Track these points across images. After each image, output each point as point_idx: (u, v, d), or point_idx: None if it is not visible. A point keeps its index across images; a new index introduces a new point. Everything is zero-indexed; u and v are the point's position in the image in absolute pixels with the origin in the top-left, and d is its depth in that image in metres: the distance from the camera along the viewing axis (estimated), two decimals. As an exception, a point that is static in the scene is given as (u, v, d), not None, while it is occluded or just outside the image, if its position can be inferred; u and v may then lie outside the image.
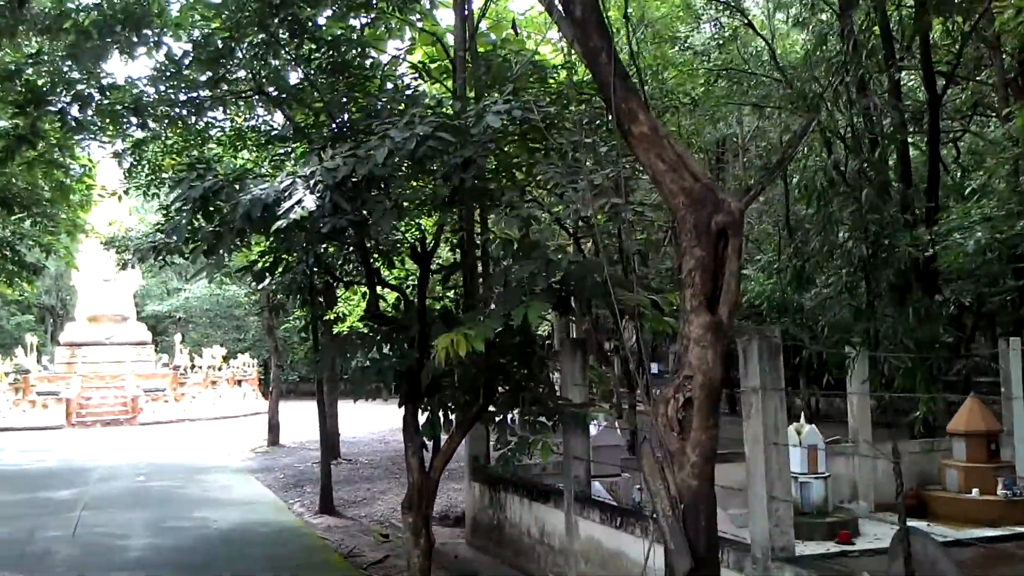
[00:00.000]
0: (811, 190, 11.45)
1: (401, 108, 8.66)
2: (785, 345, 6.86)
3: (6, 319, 49.50)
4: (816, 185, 11.30)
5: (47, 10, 10.90)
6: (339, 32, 11.12)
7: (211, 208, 7.89)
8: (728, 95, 20.61)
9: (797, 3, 19.39)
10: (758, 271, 17.49)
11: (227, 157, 14.53)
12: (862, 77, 12.28)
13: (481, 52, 12.76)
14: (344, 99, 10.31)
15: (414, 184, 8.81)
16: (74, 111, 11.16)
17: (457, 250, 12.62)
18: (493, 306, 8.03)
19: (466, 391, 8.60)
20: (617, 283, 7.93)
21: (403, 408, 8.81)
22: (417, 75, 12.16)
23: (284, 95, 11.28)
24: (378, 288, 9.59)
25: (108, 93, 11.25)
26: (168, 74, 10.82)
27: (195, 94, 11.27)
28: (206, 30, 10.58)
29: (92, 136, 13.16)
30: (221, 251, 8.08)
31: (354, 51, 10.59)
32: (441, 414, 8.69)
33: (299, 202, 6.82)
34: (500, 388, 8.65)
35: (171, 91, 11.12)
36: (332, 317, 12.24)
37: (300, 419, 27.24)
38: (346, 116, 9.93)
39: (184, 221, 7.81)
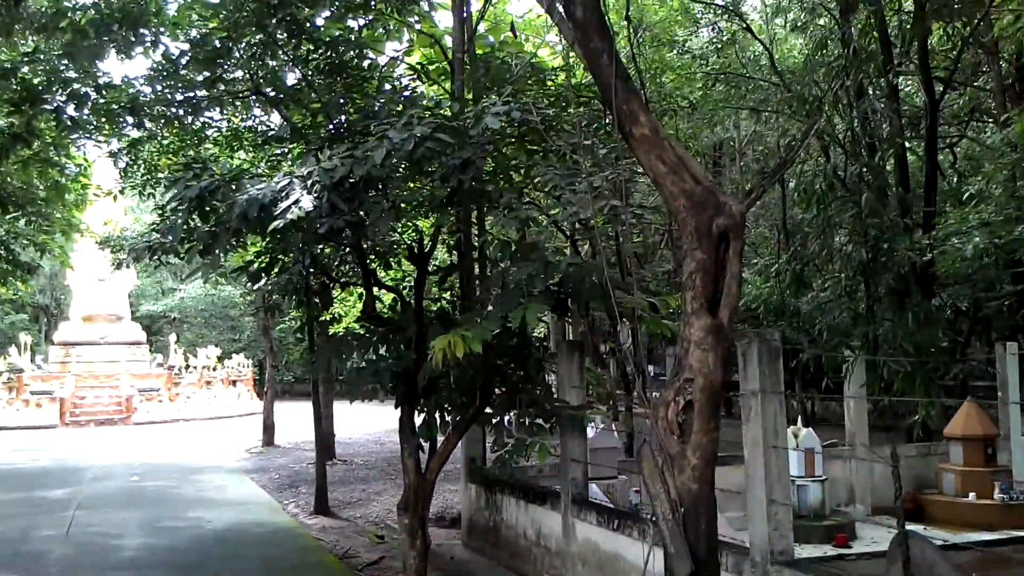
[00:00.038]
0: (810, 194, 11.44)
1: (399, 109, 8.63)
2: (783, 349, 6.84)
3: (0, 318, 49.35)
4: (816, 189, 11.28)
5: (43, 9, 10.85)
6: (337, 33, 11.09)
7: (207, 208, 7.85)
8: (726, 99, 20.62)
9: (796, 8, 19.43)
10: (755, 274, 17.50)
11: (223, 157, 14.48)
12: (860, 82, 12.30)
13: (479, 54, 12.75)
14: (342, 100, 10.27)
15: (412, 185, 8.78)
16: (70, 110, 11.11)
17: (454, 252, 12.61)
18: (490, 308, 8.01)
19: (463, 393, 8.57)
20: (616, 285, 7.91)
21: (399, 409, 8.78)
22: (415, 76, 12.13)
23: (281, 95, 11.24)
24: (375, 289, 9.56)
25: (104, 92, 11.21)
26: (165, 74, 10.77)
27: (192, 94, 11.23)
28: (203, 30, 10.53)
29: (88, 135, 13.11)
30: (217, 251, 8.04)
31: (352, 52, 10.56)
32: (437, 415, 8.66)
33: (296, 202, 6.79)
34: (497, 390, 8.63)
35: (168, 91, 11.07)
36: (328, 318, 12.21)
37: (295, 420, 27.18)
38: (343, 117, 9.90)
39: (180, 221, 7.78)
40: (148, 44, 11.21)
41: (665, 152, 5.07)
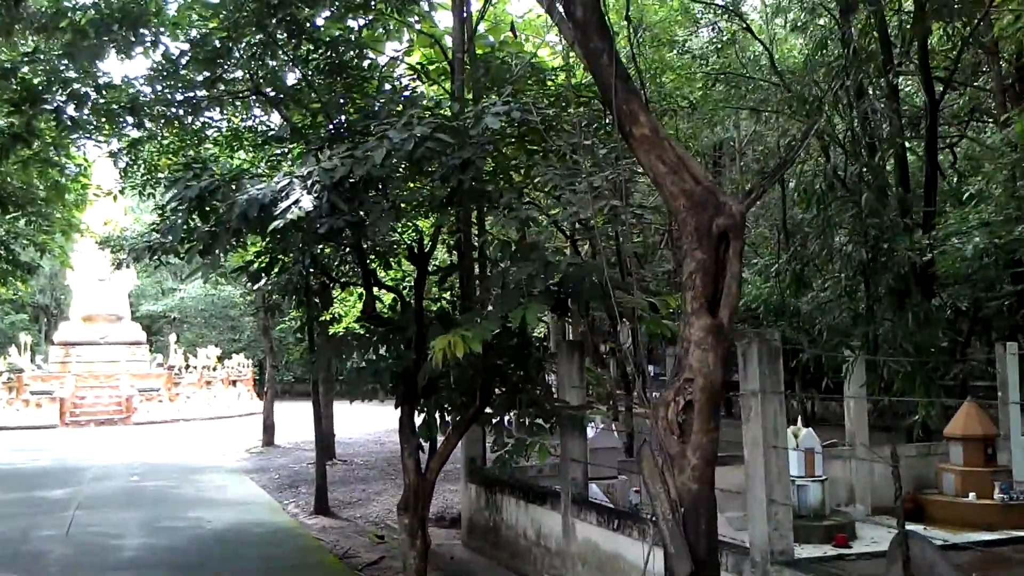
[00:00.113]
0: (810, 193, 11.43)
1: (399, 109, 8.63)
2: (782, 349, 6.83)
3: (0, 318, 49.35)
4: (816, 189, 11.27)
5: (43, 9, 10.84)
6: (337, 33, 11.08)
7: (207, 208, 7.85)
8: (726, 99, 20.61)
9: (795, 8, 19.42)
10: (755, 274, 17.49)
11: (223, 157, 14.48)
12: (860, 82, 12.29)
13: (479, 54, 12.74)
14: (341, 100, 10.27)
15: (412, 185, 8.78)
16: (70, 110, 11.10)
17: (454, 252, 12.60)
18: (490, 308, 8.00)
19: (463, 393, 8.57)
20: (616, 285, 7.91)
21: (399, 409, 8.77)
22: (415, 76, 12.13)
23: (281, 95, 11.24)
24: (375, 289, 9.56)
25: (104, 92, 11.20)
26: (165, 73, 10.76)
27: (192, 94, 11.22)
28: (203, 30, 10.53)
29: (88, 135, 13.10)
30: (217, 251, 8.04)
31: (352, 52, 10.56)
32: (437, 415, 8.66)
33: (296, 202, 6.78)
34: (497, 390, 8.63)
35: (168, 91, 11.07)
36: (328, 318, 12.21)
37: (295, 420, 27.18)
38: (343, 117, 9.90)
39: (180, 221, 7.78)
40: (148, 44, 11.21)
41: (665, 152, 5.07)
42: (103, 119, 12.09)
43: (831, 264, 12.23)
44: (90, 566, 10.55)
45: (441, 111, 8.30)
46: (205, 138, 14.44)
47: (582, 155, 7.43)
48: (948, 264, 13.42)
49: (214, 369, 40.72)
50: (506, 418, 8.80)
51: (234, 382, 40.72)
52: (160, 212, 11.04)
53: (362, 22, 12.53)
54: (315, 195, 6.90)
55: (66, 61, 11.16)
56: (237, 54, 10.48)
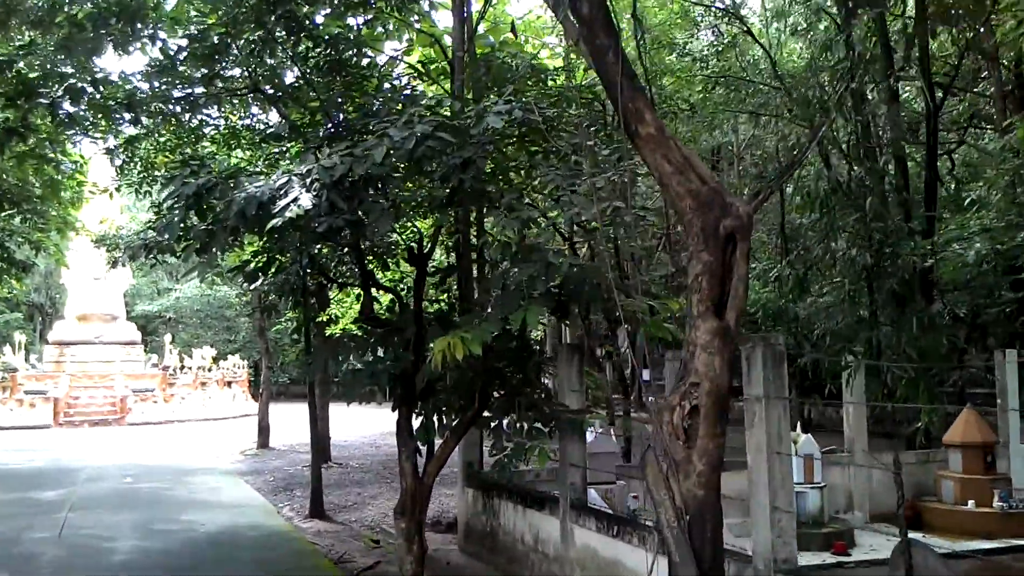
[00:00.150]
0: (813, 197, 11.37)
1: (399, 108, 8.55)
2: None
3: (-6, 317, 49.22)
4: (818, 192, 11.21)
5: (39, 3, 10.72)
6: (336, 31, 11.00)
7: (204, 206, 7.76)
8: (726, 102, 20.56)
9: (796, 13, 19.39)
10: (754, 279, 17.42)
11: (221, 155, 14.38)
12: (862, 87, 12.22)
13: (480, 54, 12.67)
14: (341, 98, 10.19)
15: (411, 185, 8.70)
16: (66, 105, 10.98)
17: (452, 253, 12.52)
18: (490, 309, 7.92)
19: (461, 395, 8.47)
20: (617, 288, 7.83)
21: (397, 412, 8.68)
22: (416, 75, 12.05)
23: (280, 93, 11.15)
24: (373, 290, 9.47)
25: (101, 87, 11.09)
26: (162, 69, 10.66)
27: (189, 91, 11.13)
28: (202, 26, 10.43)
29: (84, 131, 12.98)
30: (214, 249, 7.94)
31: (352, 50, 10.48)
32: (435, 418, 8.56)
33: (295, 200, 6.69)
34: (495, 393, 8.54)
35: (165, 87, 10.96)
36: (325, 319, 12.11)
37: (290, 422, 27.06)
38: (342, 116, 9.81)
39: (176, 218, 7.67)
40: (146, 39, 11.10)
41: (671, 151, 4.99)
42: (99, 115, 11.98)
43: (834, 268, 12.15)
44: (83, 568, 10.44)
45: (442, 110, 8.21)
46: (202, 136, 14.35)
47: (585, 155, 7.34)
48: (948, 270, 13.37)
49: (209, 370, 40.60)
50: (504, 422, 8.70)
51: (229, 383, 40.60)
52: (156, 210, 10.95)
53: (362, 20, 12.44)
54: (314, 193, 6.81)
55: (62, 55, 11.04)
56: (235, 51, 10.38)
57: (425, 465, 8.63)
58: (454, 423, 8.63)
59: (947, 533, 10.46)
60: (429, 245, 9.53)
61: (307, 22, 10.36)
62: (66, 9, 10.30)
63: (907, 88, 18.91)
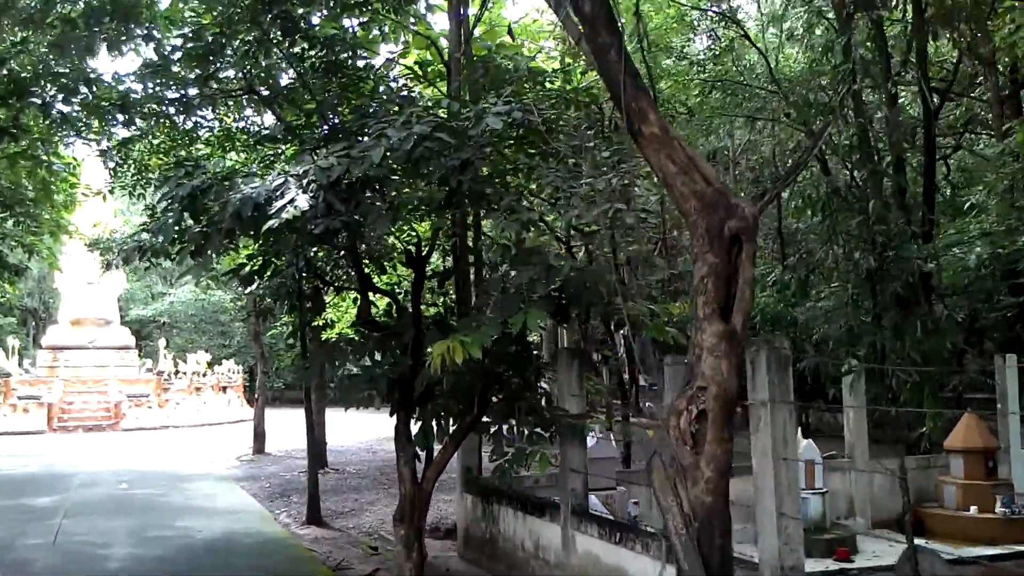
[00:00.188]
0: (814, 201, 11.30)
1: (397, 109, 8.47)
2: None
3: (-12, 321, 48.99)
4: (820, 196, 11.15)
5: (32, 2, 10.60)
6: (332, 32, 10.92)
7: (199, 207, 7.67)
8: (722, 107, 20.51)
9: (792, 18, 19.35)
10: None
11: (216, 157, 14.27)
12: (861, 90, 12.18)
13: (477, 56, 12.60)
14: (337, 100, 10.11)
15: (409, 187, 8.61)
16: (59, 104, 10.87)
17: (449, 256, 12.42)
18: (489, 312, 7.83)
19: (460, 400, 8.38)
20: (614, 292, 7.75)
21: (395, 417, 8.58)
22: (413, 76, 11.97)
23: (275, 95, 11.06)
24: (370, 294, 9.38)
25: (94, 87, 10.98)
26: (156, 70, 10.55)
27: (184, 92, 11.03)
28: (196, 26, 10.34)
29: (77, 132, 12.85)
30: (209, 252, 7.86)
31: (347, 52, 10.40)
32: (434, 423, 8.46)
33: (291, 201, 6.61)
34: (495, 397, 8.44)
35: (159, 88, 10.86)
36: (321, 323, 12.01)
37: (286, 427, 26.92)
38: (337, 120, 9.73)
39: (171, 220, 7.58)
40: (139, 39, 10.99)
41: (675, 152, 4.91)
42: (92, 116, 11.86)
43: (835, 272, 12.08)
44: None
45: (440, 111, 8.13)
46: (197, 138, 14.24)
47: (585, 156, 7.27)
48: (949, 275, 13.32)
49: (204, 375, 40.43)
50: (504, 427, 8.60)
51: (224, 388, 40.43)
52: (151, 212, 10.85)
53: (357, 23, 12.36)
54: (311, 194, 6.73)
55: (55, 55, 10.91)
56: (230, 52, 10.30)
57: (424, 471, 8.53)
58: (453, 428, 8.53)
59: (949, 539, 10.39)
60: (427, 248, 9.44)
61: (303, 23, 10.29)
62: (59, 7, 10.17)
63: (903, 93, 18.90)
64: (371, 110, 8.90)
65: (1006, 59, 16.11)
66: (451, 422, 8.59)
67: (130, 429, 32.98)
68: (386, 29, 13.27)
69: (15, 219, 17.82)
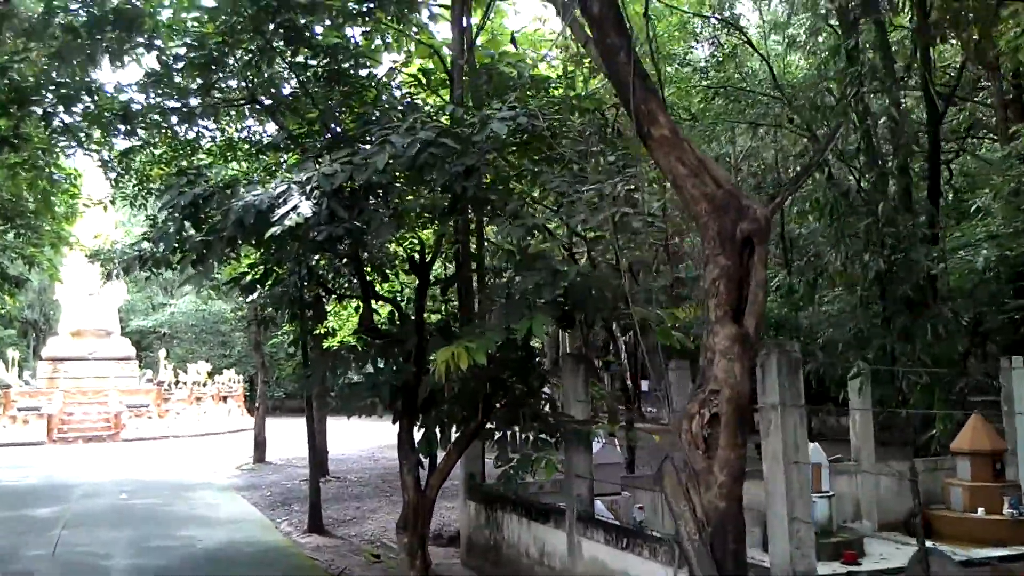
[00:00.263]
0: (822, 204, 11.26)
1: (400, 115, 8.44)
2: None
3: (-12, 333, 48.89)
4: (828, 199, 11.11)
5: (32, 15, 10.54)
6: (335, 41, 10.89)
7: (201, 216, 7.63)
8: (725, 113, 20.51)
9: (795, 25, 19.38)
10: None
11: (218, 166, 14.23)
12: (864, 94, 12.16)
13: (480, 64, 12.57)
14: (339, 109, 10.07)
15: (412, 194, 8.57)
16: (60, 114, 10.81)
17: (450, 263, 12.37)
18: (493, 319, 7.79)
19: (464, 407, 8.33)
20: (622, 297, 7.71)
21: (398, 424, 8.53)
22: (415, 83, 11.93)
23: (278, 104, 11.02)
24: (372, 301, 9.34)
25: (96, 97, 10.93)
26: (158, 80, 10.51)
27: (185, 102, 10.98)
28: (199, 35, 10.30)
29: (78, 143, 12.80)
30: (210, 260, 7.81)
31: (350, 61, 10.36)
32: (437, 430, 8.41)
33: (295, 208, 6.57)
34: (498, 404, 8.39)
35: (161, 98, 10.82)
36: (322, 331, 11.96)
37: (287, 436, 26.83)
38: (340, 128, 9.70)
39: (172, 228, 7.55)
40: (141, 49, 10.93)
41: (685, 154, 4.88)
42: (94, 126, 11.81)
43: (843, 275, 12.04)
44: (78, 587, 10.26)
45: (444, 116, 8.10)
46: (199, 148, 14.19)
47: (593, 160, 7.24)
48: (955, 278, 13.29)
49: (204, 385, 40.32)
50: (508, 433, 8.55)
51: (224, 398, 40.32)
52: (152, 222, 10.81)
53: (360, 31, 12.33)
54: (314, 201, 6.69)
55: (56, 64, 10.85)
56: (233, 61, 10.26)
57: (427, 478, 8.48)
58: (456, 435, 8.48)
59: (956, 541, 10.33)
60: (431, 254, 9.41)
61: (306, 32, 10.25)
62: (59, 19, 10.10)
63: (906, 98, 18.92)
64: (374, 117, 8.88)
65: (1010, 63, 16.10)
66: (454, 429, 8.54)
67: (130, 439, 32.87)
68: (389, 38, 13.26)
69: (16, 231, 17.79)
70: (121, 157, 13.87)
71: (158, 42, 11.02)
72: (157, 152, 14.51)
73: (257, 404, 25.25)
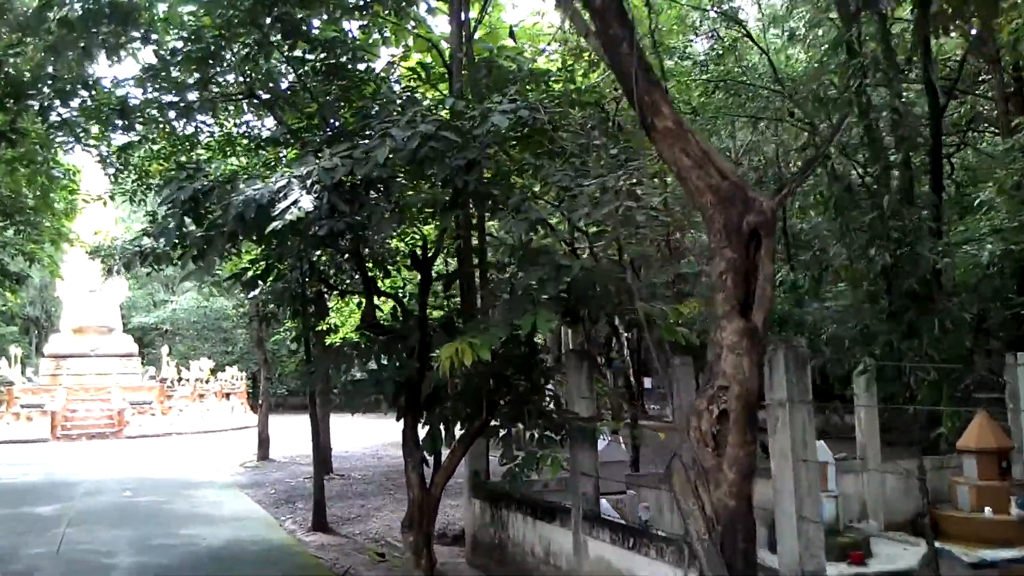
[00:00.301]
0: (827, 198, 11.17)
1: (399, 109, 8.36)
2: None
3: (-10, 330, 48.91)
4: (832, 192, 11.01)
5: (27, 8, 10.45)
6: (333, 35, 10.81)
7: (201, 210, 7.56)
8: (725, 107, 20.37)
9: (794, 18, 19.25)
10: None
11: (217, 161, 14.14)
12: (867, 87, 12.07)
13: (478, 58, 12.49)
14: (338, 103, 9.99)
15: (413, 188, 8.49)
16: (57, 108, 10.71)
17: (452, 258, 12.29)
18: (497, 314, 7.71)
19: (468, 404, 8.25)
20: (626, 292, 7.63)
21: (401, 421, 8.45)
22: (414, 76, 11.85)
23: (276, 98, 10.94)
24: (374, 297, 9.26)
25: (93, 91, 10.84)
26: (155, 74, 10.42)
27: (183, 95, 10.90)
28: (196, 29, 10.22)
29: (76, 138, 12.71)
30: (211, 255, 7.74)
31: (348, 55, 10.29)
32: (442, 428, 8.34)
33: (295, 203, 6.50)
34: (502, 401, 8.31)
35: (159, 92, 10.73)
36: (324, 328, 11.89)
37: (290, 433, 26.77)
38: (339, 123, 9.62)
39: (172, 224, 7.48)
40: (138, 42, 10.83)
41: (689, 145, 4.79)
42: (92, 121, 11.72)
43: (849, 269, 11.93)
44: (81, 585, 10.21)
45: (444, 110, 8.02)
46: (197, 143, 14.11)
47: (595, 154, 7.15)
48: (960, 272, 13.18)
49: (207, 382, 40.29)
50: (513, 430, 8.47)
51: (227, 395, 40.29)
52: (152, 218, 10.73)
53: (358, 25, 12.25)
54: (315, 195, 6.61)
55: (52, 58, 10.75)
56: (230, 55, 10.18)
57: (432, 476, 8.41)
58: (461, 432, 8.40)
59: (963, 541, 10.21)
60: (433, 250, 9.33)
61: (303, 26, 10.17)
62: (54, 13, 10.00)
63: (907, 91, 18.81)
64: (373, 111, 8.80)
65: (1011, 56, 15.98)
66: (459, 426, 8.46)
67: (133, 436, 32.85)
68: (387, 32, 13.18)
69: (16, 228, 17.73)
70: (119, 152, 13.78)
71: (155, 36, 10.93)
72: (156, 147, 14.41)
73: (260, 401, 25.20)
